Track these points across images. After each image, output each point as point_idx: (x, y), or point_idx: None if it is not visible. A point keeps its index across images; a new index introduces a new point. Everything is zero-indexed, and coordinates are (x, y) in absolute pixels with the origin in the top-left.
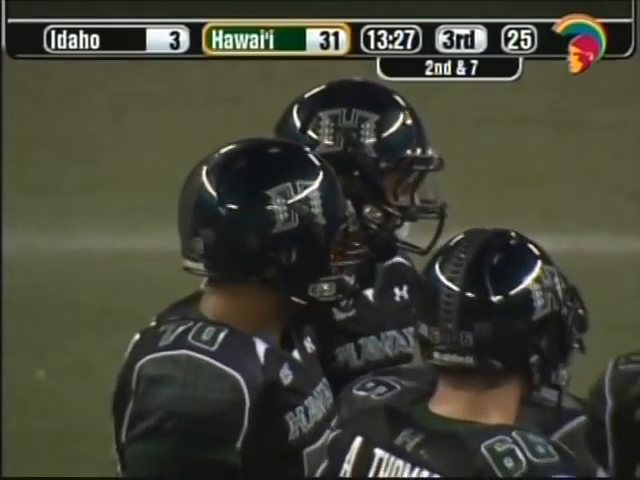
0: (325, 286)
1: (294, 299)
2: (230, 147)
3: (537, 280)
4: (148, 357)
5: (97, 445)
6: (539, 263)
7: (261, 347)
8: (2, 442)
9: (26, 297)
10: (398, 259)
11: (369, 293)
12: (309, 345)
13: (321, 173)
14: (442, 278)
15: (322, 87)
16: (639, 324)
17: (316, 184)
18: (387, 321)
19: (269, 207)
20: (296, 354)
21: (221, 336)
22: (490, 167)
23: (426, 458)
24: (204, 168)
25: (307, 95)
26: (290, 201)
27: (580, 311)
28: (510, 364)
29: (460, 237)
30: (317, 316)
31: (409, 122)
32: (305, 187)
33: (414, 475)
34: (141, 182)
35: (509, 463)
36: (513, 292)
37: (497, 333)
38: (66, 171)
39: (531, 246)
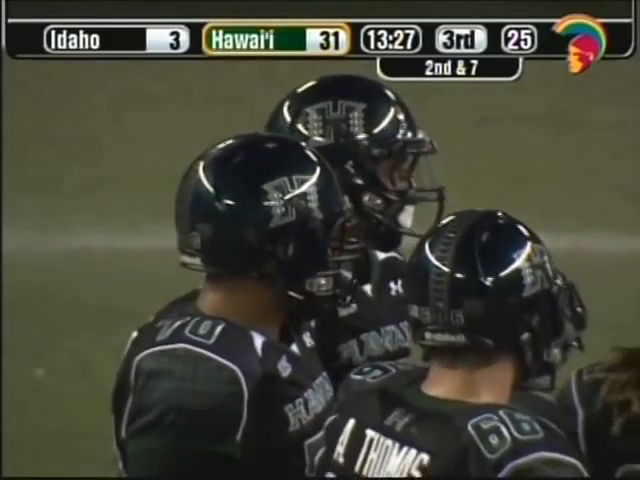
0: (322, 281)
1: (291, 294)
2: (227, 142)
3: (527, 258)
4: (146, 352)
5: (97, 444)
6: (528, 241)
7: (258, 340)
8: (2, 442)
9: (26, 296)
10: (392, 253)
11: (367, 288)
12: (308, 339)
13: (318, 168)
14: (431, 258)
15: (310, 83)
16: (639, 324)
17: (313, 179)
18: (386, 316)
19: (266, 202)
20: (294, 348)
21: (218, 329)
22: (490, 166)
23: (414, 437)
24: (201, 164)
25: (296, 92)
26: (287, 196)
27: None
28: (501, 341)
29: (449, 219)
30: (322, 313)
31: (396, 108)
32: (302, 182)
33: (402, 453)
34: (141, 182)
35: (494, 440)
36: (503, 270)
37: (488, 310)
38: (66, 170)
39: (519, 226)
